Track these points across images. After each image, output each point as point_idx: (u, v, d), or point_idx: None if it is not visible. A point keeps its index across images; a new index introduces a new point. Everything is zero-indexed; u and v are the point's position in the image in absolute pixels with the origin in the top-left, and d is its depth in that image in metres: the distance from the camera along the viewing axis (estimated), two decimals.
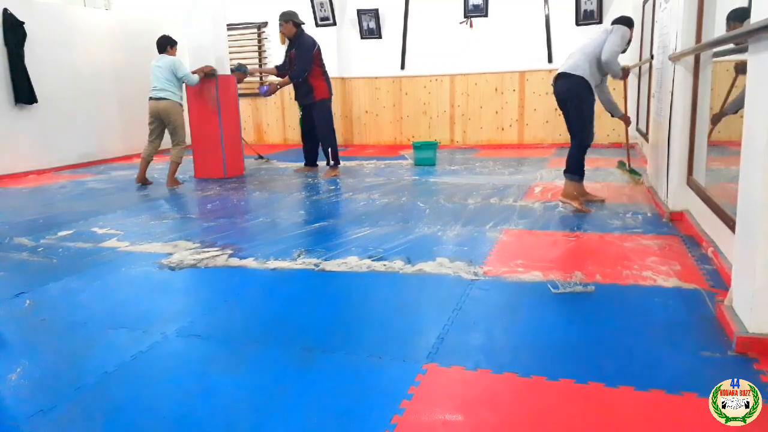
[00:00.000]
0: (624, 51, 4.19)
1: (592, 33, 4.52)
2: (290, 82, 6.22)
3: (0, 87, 6.82)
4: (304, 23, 6.24)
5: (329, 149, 6.26)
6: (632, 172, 5.30)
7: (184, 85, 6.01)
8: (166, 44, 5.93)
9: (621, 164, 5.63)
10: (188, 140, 6.24)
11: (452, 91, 8.45)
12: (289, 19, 6.07)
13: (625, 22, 4.18)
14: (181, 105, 5.92)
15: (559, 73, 4.24)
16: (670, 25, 3.91)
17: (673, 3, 3.77)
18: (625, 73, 4.28)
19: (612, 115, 4.61)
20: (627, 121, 4.84)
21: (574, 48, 4.30)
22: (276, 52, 9.11)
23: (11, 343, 2.38)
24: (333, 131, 6.32)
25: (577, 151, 4.25)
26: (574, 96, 4.16)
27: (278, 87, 6.41)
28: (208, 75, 6.04)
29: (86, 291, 2.93)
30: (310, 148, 6.57)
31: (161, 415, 1.77)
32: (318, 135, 6.31)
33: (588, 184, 5.06)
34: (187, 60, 6.39)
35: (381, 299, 2.71)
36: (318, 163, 6.62)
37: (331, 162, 6.31)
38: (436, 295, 2.70)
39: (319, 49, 6.18)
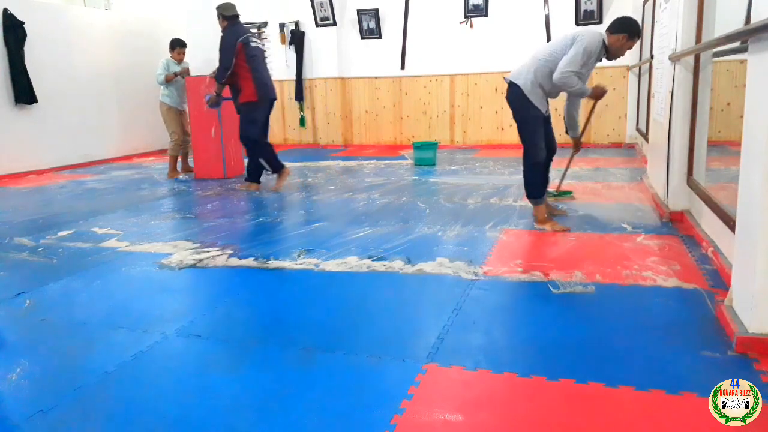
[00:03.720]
0: (608, 59, 3.54)
1: (559, 34, 3.76)
2: (220, 85, 5.35)
3: (0, 87, 6.82)
4: (236, 15, 5.34)
5: (250, 160, 5.47)
6: (560, 194, 4.48)
7: (176, 84, 6.36)
8: (169, 47, 6.42)
9: (549, 193, 4.21)
10: (187, 138, 6.53)
11: (452, 91, 8.45)
12: (219, 14, 5.33)
13: (612, 27, 3.49)
14: (164, 103, 6.37)
15: (507, 80, 3.72)
16: (670, 25, 3.91)
17: (673, 3, 3.77)
18: (597, 93, 3.60)
19: (566, 132, 4.07)
20: (577, 147, 4.18)
21: (534, 50, 3.70)
22: (276, 52, 9.11)
23: (11, 343, 2.38)
24: (251, 140, 5.35)
25: (526, 170, 3.76)
26: (514, 109, 3.68)
27: (215, 94, 5.46)
28: (182, 75, 6.34)
29: (86, 291, 2.93)
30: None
31: (161, 415, 1.77)
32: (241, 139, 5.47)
33: (588, 184, 5.08)
34: (189, 60, 6.43)
35: (381, 299, 2.71)
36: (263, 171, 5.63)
37: (246, 174, 5.58)
38: (436, 295, 2.70)
39: (246, 44, 5.21)
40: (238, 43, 5.17)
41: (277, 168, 5.47)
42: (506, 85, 3.71)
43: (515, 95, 3.63)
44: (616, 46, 3.47)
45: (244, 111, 5.32)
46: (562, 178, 4.57)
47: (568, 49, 3.41)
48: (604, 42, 3.46)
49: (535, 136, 3.66)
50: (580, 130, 4.06)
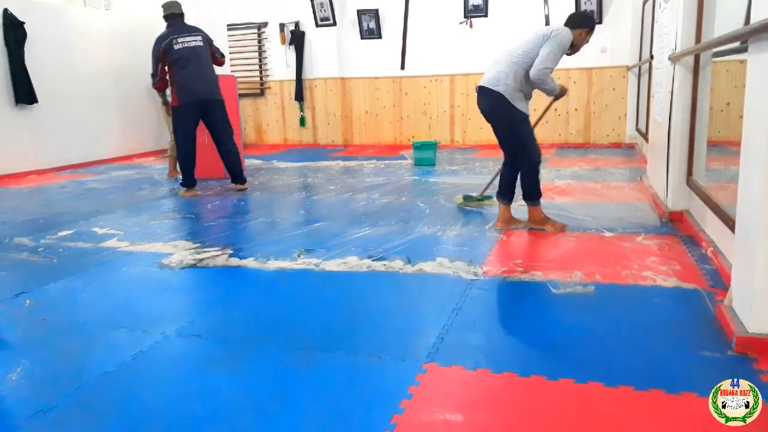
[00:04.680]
0: (570, 54, 3.52)
1: (528, 32, 3.59)
2: (159, 92, 5.38)
3: (0, 87, 6.81)
4: (173, 14, 5.24)
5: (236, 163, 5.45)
6: (483, 199, 4.41)
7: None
8: None
9: (467, 198, 4.47)
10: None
11: (452, 91, 8.45)
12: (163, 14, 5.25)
13: (574, 22, 3.48)
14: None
15: (479, 87, 3.56)
16: (669, 25, 3.91)
17: (673, 3, 3.77)
18: (562, 92, 3.57)
19: (554, 98, 3.67)
20: (562, 91, 3.61)
21: (504, 50, 3.56)
22: (276, 52, 9.12)
23: (11, 343, 2.38)
24: (181, 147, 5.31)
25: (525, 175, 3.63)
26: (500, 117, 3.53)
27: (164, 104, 5.39)
28: None
29: (86, 291, 2.93)
30: (226, 162, 5.50)
31: (161, 415, 1.77)
32: None
33: (587, 184, 5.08)
34: None
35: (381, 299, 2.71)
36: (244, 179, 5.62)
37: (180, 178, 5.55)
38: (436, 295, 2.70)
39: (167, 49, 5.08)
40: (159, 51, 5.11)
41: (186, 183, 5.39)
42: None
43: (496, 103, 3.46)
44: (578, 39, 3.48)
45: (173, 115, 5.35)
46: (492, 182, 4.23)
47: (541, 46, 3.37)
48: None
49: (527, 138, 3.54)
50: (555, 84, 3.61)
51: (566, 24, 3.48)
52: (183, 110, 5.19)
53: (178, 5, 5.31)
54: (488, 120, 3.61)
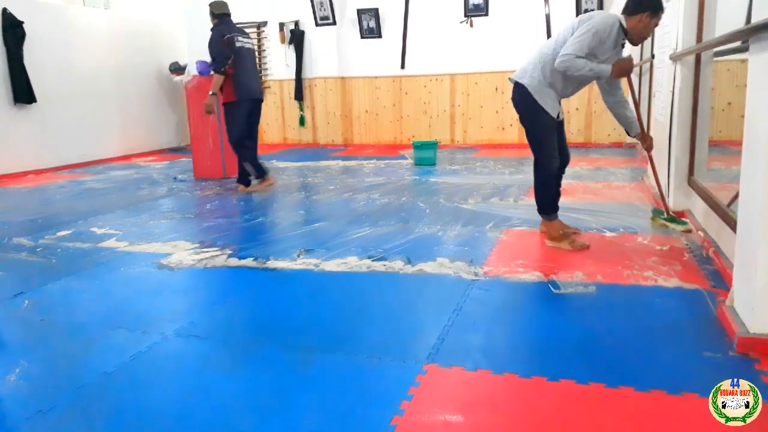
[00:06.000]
0: (634, 43, 3.07)
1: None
2: (221, 75, 5.23)
3: None
4: (226, 13, 5.35)
5: (241, 163, 5.44)
6: (674, 220, 3.57)
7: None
8: None
9: (657, 212, 3.72)
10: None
11: (452, 91, 8.44)
12: (210, 11, 5.36)
13: (633, 6, 2.95)
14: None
15: (511, 79, 3.31)
16: (670, 24, 3.90)
17: (674, 2, 3.77)
18: (621, 69, 2.99)
19: (628, 134, 3.45)
20: (646, 143, 3.42)
21: (540, 44, 3.32)
22: (276, 52, 9.11)
23: (10, 343, 2.37)
24: (238, 143, 5.33)
25: (538, 184, 3.33)
26: (523, 113, 3.24)
27: (212, 93, 5.29)
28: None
29: (85, 291, 2.92)
30: (242, 163, 5.50)
31: (161, 415, 1.76)
32: None
33: (589, 184, 5.07)
34: (188, 60, 6.40)
35: (381, 299, 2.70)
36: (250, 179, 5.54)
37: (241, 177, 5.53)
38: (436, 295, 2.69)
39: (230, 43, 5.18)
40: (224, 40, 5.19)
41: (260, 173, 5.44)
42: (511, 86, 3.29)
43: (521, 97, 3.19)
44: (638, 28, 2.96)
45: (225, 112, 5.39)
46: (663, 198, 3.70)
47: (572, 33, 2.99)
48: (621, 26, 2.98)
49: (545, 146, 3.21)
50: (639, 125, 3.38)
51: (623, 12, 3.01)
52: (241, 106, 5.30)
53: (228, 6, 5.44)
54: (518, 116, 3.35)
